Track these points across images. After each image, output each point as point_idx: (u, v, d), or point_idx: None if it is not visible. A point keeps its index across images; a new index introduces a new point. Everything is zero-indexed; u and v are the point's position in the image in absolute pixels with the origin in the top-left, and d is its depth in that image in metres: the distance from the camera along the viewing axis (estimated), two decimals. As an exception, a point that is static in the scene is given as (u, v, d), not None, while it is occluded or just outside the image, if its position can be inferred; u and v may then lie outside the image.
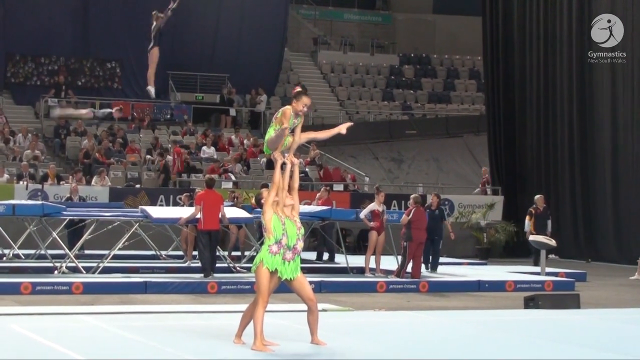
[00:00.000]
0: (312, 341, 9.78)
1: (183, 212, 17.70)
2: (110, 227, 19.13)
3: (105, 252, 17.89)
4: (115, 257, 18.03)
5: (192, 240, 19.04)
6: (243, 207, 19.44)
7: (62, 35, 32.73)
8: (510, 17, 29.49)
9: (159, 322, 11.72)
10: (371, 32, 42.13)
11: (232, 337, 9.84)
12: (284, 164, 9.77)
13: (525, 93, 28.88)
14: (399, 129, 35.49)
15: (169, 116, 32.73)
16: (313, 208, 19.63)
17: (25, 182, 24.07)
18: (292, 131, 9.98)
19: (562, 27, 27.55)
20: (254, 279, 9.70)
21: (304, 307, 9.79)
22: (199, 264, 17.37)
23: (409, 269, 17.49)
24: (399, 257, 18.02)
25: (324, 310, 12.33)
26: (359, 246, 24.89)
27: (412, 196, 18.51)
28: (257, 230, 18.99)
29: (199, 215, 16.61)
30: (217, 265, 17.31)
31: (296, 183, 9.83)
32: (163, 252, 21.06)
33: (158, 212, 18.46)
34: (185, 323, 11.63)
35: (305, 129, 10.40)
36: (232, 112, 33.47)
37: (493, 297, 16.50)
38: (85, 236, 18.12)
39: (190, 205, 19.05)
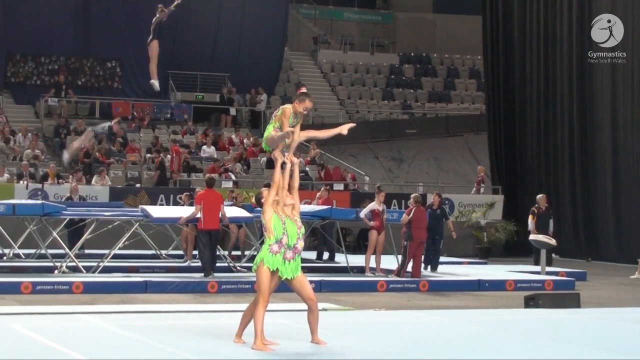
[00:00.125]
0: (312, 340, 9.78)
1: (183, 212, 17.71)
2: (110, 226, 19.15)
3: (106, 251, 17.89)
4: (116, 256, 18.02)
5: (193, 240, 19.04)
6: (243, 207, 19.44)
7: (62, 35, 32.72)
8: (511, 16, 29.50)
9: (160, 322, 11.72)
10: (371, 31, 42.09)
11: (232, 337, 9.84)
12: (284, 163, 9.77)
13: (526, 92, 28.88)
14: (399, 128, 35.46)
15: (169, 115, 32.74)
16: (313, 207, 19.62)
17: (25, 182, 24.06)
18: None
19: (562, 27, 27.54)
20: (254, 279, 9.71)
21: (304, 306, 9.79)
22: (199, 264, 17.37)
23: (409, 268, 17.50)
24: (399, 257, 18.02)
25: (324, 309, 12.32)
26: (359, 245, 24.87)
27: (412, 195, 18.51)
28: (258, 230, 18.98)
29: (199, 215, 16.61)
30: (217, 264, 17.30)
31: (296, 182, 9.83)
32: (163, 252, 21.04)
33: (158, 211, 18.49)
34: (185, 322, 11.63)
35: (305, 128, 10.40)
36: (232, 111, 33.43)
37: (493, 297, 16.50)
38: (86, 236, 18.13)
39: (191, 204, 19.03)
